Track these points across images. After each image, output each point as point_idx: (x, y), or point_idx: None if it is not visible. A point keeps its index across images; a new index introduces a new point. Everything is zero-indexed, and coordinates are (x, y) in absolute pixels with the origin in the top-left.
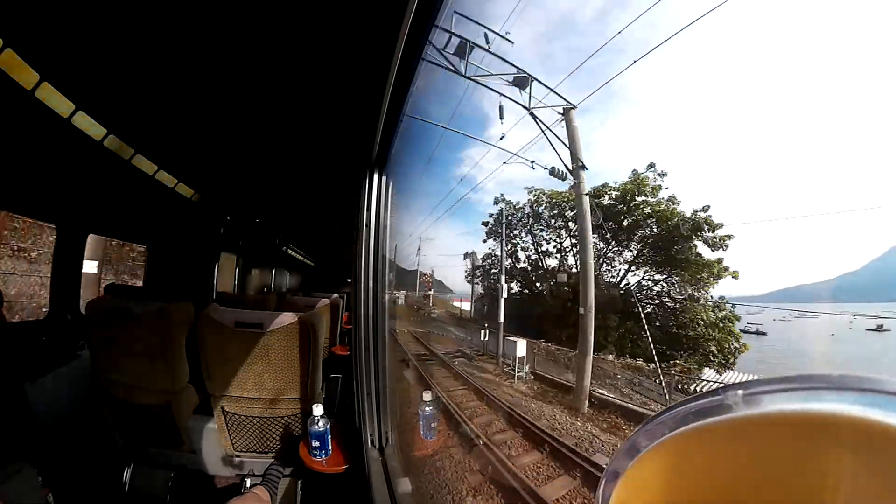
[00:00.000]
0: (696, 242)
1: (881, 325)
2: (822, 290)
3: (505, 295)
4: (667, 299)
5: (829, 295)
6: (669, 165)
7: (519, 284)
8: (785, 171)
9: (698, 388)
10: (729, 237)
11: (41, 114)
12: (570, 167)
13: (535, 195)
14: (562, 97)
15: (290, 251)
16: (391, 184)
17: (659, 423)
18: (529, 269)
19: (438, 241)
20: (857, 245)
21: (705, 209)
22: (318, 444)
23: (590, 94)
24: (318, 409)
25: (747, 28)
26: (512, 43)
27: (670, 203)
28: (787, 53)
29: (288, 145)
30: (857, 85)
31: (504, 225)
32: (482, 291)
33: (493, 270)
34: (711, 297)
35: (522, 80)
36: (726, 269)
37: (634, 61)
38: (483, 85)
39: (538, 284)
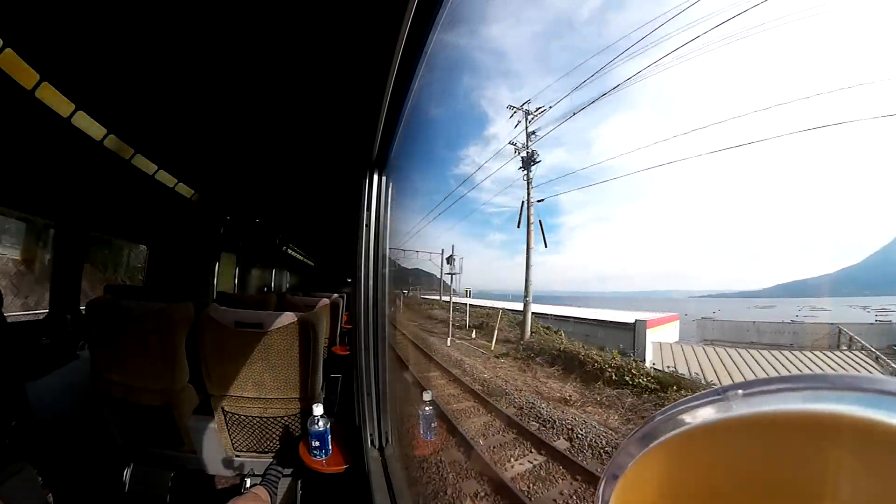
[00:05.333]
0: None
1: None
2: (825, 283)
3: None
4: None
5: (831, 289)
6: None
7: None
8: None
9: None
10: None
11: (41, 114)
12: None
13: None
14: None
15: (290, 251)
16: (391, 184)
17: (659, 423)
18: None
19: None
20: (856, 239)
21: None
22: (318, 443)
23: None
24: (318, 409)
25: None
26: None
27: None
28: (784, 53)
29: (288, 145)
30: (856, 84)
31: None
32: None
33: None
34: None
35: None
36: None
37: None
38: None
39: None
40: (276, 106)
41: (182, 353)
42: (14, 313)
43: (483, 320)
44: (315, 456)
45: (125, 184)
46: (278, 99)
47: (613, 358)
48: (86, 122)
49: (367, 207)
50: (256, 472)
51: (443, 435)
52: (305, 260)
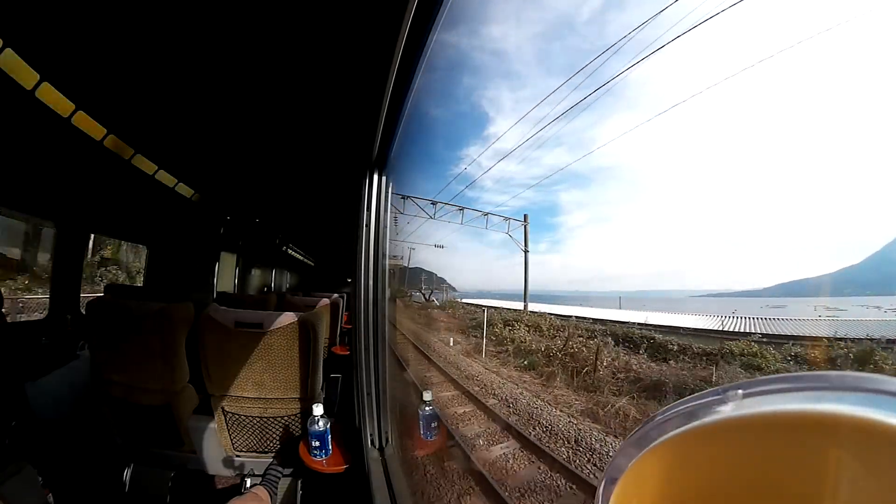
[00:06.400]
0: None
1: None
2: (826, 283)
3: None
4: None
5: (833, 289)
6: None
7: None
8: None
9: None
10: None
11: (41, 114)
12: None
13: None
14: None
15: (290, 251)
16: (391, 184)
17: (659, 423)
18: None
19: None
20: (856, 239)
21: None
22: (318, 443)
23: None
24: (318, 409)
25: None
26: None
27: None
28: (785, 55)
29: (288, 145)
30: (856, 84)
31: None
32: None
33: None
34: None
35: None
36: None
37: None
38: None
39: None
40: (276, 106)
41: (182, 353)
42: None
43: None
44: (315, 456)
45: (125, 184)
46: (278, 99)
47: None
48: (86, 122)
49: (367, 207)
50: (256, 472)
51: None
52: (305, 260)
